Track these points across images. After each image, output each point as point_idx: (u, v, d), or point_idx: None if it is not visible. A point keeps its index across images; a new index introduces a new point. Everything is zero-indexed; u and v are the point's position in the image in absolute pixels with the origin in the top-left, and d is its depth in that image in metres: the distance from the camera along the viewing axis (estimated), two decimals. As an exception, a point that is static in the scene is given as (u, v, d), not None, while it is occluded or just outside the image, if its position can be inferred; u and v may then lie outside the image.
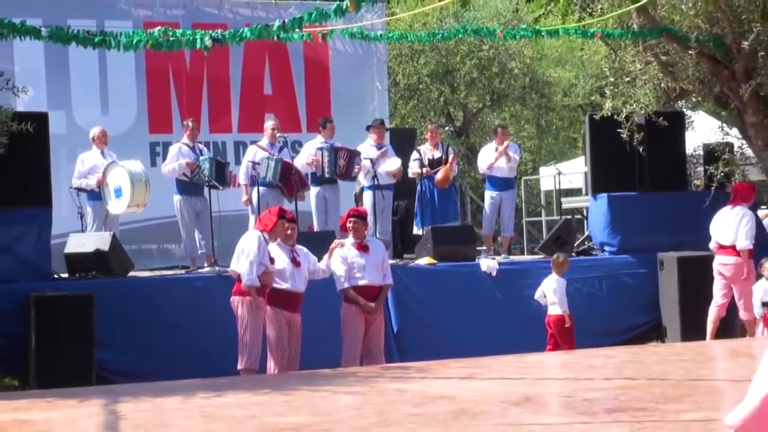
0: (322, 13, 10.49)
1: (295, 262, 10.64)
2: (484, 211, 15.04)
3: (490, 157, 14.47)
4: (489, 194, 14.65)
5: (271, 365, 10.48)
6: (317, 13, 10.57)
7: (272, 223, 10.56)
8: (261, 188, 13.19)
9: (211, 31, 10.80)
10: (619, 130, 13.36)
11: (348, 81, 16.56)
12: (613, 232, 14.05)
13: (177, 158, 13.23)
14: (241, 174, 13.47)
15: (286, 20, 10.86)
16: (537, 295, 12.34)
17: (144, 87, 15.44)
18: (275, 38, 11.46)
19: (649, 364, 9.78)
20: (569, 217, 17.02)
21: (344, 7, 10.06)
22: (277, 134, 13.59)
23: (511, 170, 14.58)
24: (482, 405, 7.57)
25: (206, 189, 13.12)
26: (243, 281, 10.36)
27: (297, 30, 11.37)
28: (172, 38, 10.59)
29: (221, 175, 13.08)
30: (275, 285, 10.52)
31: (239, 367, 10.45)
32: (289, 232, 10.74)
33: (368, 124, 14.43)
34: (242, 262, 10.39)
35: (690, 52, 13.12)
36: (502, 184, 14.57)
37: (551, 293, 12.17)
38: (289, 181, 13.12)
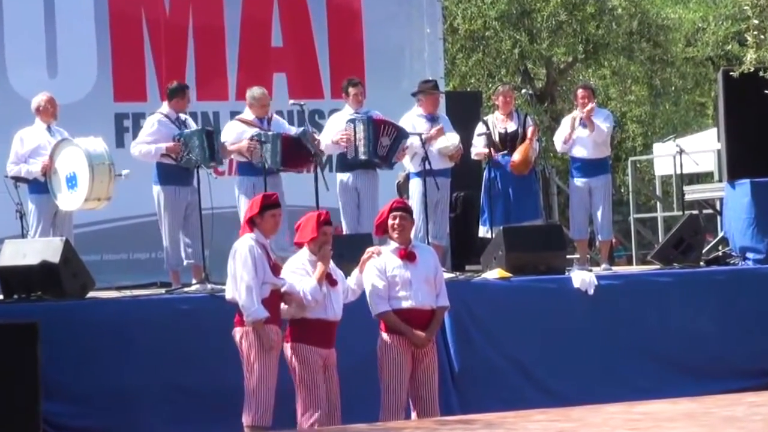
0: None
1: (331, 281, 10.62)
2: (570, 205, 15.01)
3: (566, 129, 14.51)
4: (573, 182, 14.70)
5: (302, 420, 10.45)
6: None
7: (310, 232, 10.50)
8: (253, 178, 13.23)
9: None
10: (766, 91, 13.38)
11: (387, 29, 16.62)
12: (759, 234, 14.09)
13: (155, 136, 13.23)
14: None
15: None
16: None
17: (107, 40, 15.47)
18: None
19: (811, 415, 9.71)
20: (695, 212, 16.93)
21: None
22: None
23: (599, 147, 14.51)
24: (577, 472, 7.54)
25: (196, 174, 13.10)
26: (244, 317, 10.37)
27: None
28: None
29: (213, 151, 13.08)
30: (306, 315, 10.49)
31: (245, 423, 10.47)
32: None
33: (415, 90, 14.39)
34: (239, 289, 10.36)
35: None
36: (589, 167, 14.57)
37: None
38: (292, 160, 13.13)
